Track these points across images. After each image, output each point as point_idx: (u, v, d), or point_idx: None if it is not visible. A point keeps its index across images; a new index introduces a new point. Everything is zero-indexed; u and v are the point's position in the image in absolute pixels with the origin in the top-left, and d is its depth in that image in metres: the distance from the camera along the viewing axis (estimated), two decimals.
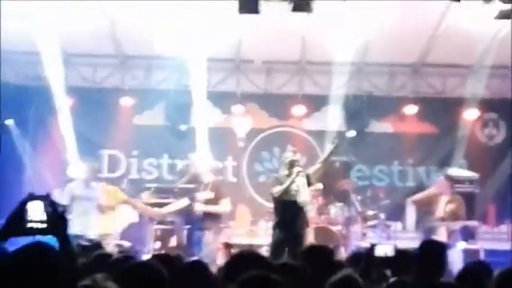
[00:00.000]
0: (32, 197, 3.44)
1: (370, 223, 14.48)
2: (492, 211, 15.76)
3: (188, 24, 13.03)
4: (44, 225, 3.40)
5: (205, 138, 14.79)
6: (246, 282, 2.90)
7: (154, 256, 5.88)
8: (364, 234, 14.53)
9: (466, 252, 12.54)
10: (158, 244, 13.73)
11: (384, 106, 16.04)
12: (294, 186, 10.67)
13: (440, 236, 11.98)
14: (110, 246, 11.17)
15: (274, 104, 16.18)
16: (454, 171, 14.04)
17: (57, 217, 3.42)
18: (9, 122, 15.35)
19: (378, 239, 13.70)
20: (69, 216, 11.15)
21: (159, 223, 13.99)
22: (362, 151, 15.96)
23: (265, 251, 11.51)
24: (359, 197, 14.59)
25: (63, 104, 14.75)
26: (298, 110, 15.95)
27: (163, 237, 13.87)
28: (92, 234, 11.66)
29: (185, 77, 15.14)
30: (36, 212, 3.40)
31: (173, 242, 13.75)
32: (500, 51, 13.65)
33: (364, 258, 5.63)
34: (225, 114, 16.09)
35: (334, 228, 13.63)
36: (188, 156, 14.70)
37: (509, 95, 15.54)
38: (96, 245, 8.73)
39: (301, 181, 10.65)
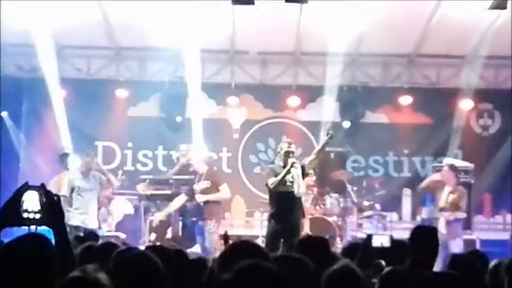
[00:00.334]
0: (27, 187, 3.43)
1: (365, 214, 14.49)
2: (488, 201, 15.78)
3: (182, 15, 13.00)
4: (39, 216, 3.39)
5: (199, 129, 14.80)
6: (241, 271, 2.88)
7: (148, 248, 5.86)
8: (360, 225, 14.56)
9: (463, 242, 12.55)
10: (153, 236, 13.74)
11: (379, 97, 16.04)
12: (289, 177, 10.64)
13: (440, 226, 11.96)
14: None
15: (269, 95, 16.16)
16: (449, 161, 14.03)
17: (52, 207, 3.41)
18: (3, 114, 15.33)
19: (373, 230, 13.72)
20: (69, 208, 11.29)
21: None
22: (357, 142, 15.95)
23: (261, 242, 11.51)
24: (355, 188, 14.58)
25: (57, 95, 14.73)
26: (293, 101, 15.94)
27: (159, 229, 13.87)
28: (92, 226, 11.72)
29: (180, 69, 15.13)
30: (31, 202, 3.39)
31: (169, 233, 13.76)
32: (495, 41, 13.64)
33: (361, 248, 5.63)
34: (220, 105, 16.07)
35: (330, 219, 13.62)
36: (180, 147, 14.70)
37: (504, 86, 15.57)
38: (92, 236, 8.72)
39: (296, 172, 10.63)
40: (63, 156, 13.41)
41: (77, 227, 11.35)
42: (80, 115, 15.34)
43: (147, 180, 14.23)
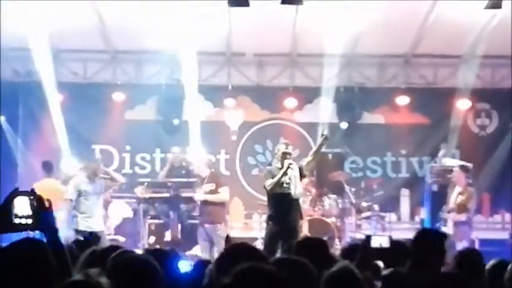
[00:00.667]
0: (17, 193, 3.41)
1: (364, 214, 14.50)
2: (486, 201, 15.77)
3: (178, 17, 12.99)
4: (31, 221, 3.38)
5: (197, 132, 14.79)
6: (240, 274, 2.87)
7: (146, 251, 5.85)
8: (358, 226, 14.55)
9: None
10: (152, 239, 13.73)
11: (376, 97, 16.04)
12: (286, 179, 10.63)
13: (448, 227, 11.93)
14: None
15: (266, 96, 16.16)
16: (448, 161, 14.02)
17: (43, 212, 3.39)
18: (1, 119, 15.31)
19: (372, 230, 13.71)
20: (76, 213, 11.42)
21: (153, 218, 14.03)
22: (355, 143, 15.94)
23: (260, 244, 11.50)
24: (353, 189, 14.59)
25: (54, 99, 14.72)
26: (290, 102, 15.93)
27: (158, 232, 13.87)
28: (98, 229, 11.78)
29: (176, 71, 15.14)
30: (22, 208, 3.38)
31: (168, 236, 13.74)
32: (492, 41, 13.62)
33: (360, 249, 5.61)
34: (217, 107, 16.07)
35: (329, 220, 13.63)
36: (172, 149, 14.69)
37: (501, 85, 15.58)
38: (93, 240, 8.71)
39: (293, 173, 10.62)
40: (46, 164, 13.58)
41: (82, 232, 11.44)
42: (77, 119, 15.35)
43: (145, 183, 14.20)
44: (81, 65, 15.82)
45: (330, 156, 15.44)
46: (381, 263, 5.65)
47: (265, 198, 11.35)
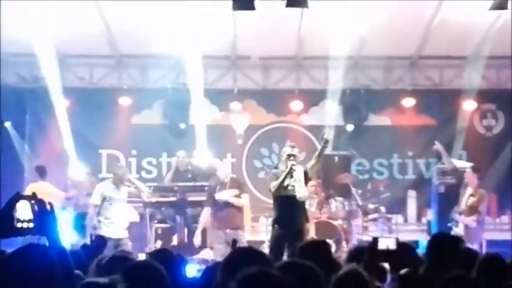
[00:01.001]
0: (19, 197, 3.42)
1: (371, 216, 14.49)
2: (493, 202, 15.71)
3: (183, 21, 13.01)
4: (32, 225, 3.38)
5: (203, 135, 14.81)
6: (245, 279, 2.87)
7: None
8: (365, 228, 14.53)
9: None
10: (159, 243, 13.73)
11: (382, 99, 16.04)
12: (291, 181, 10.57)
13: (459, 229, 11.89)
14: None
15: (272, 100, 16.17)
16: (454, 161, 13.97)
17: (45, 216, 3.40)
18: (7, 124, 15.33)
19: (379, 232, 13.70)
20: (99, 218, 11.56)
21: (160, 222, 14.05)
22: (361, 145, 15.93)
23: (267, 248, 11.49)
24: (359, 191, 14.56)
25: (60, 105, 14.76)
26: (296, 105, 15.94)
27: (165, 236, 13.87)
28: (119, 236, 11.82)
29: (182, 75, 15.16)
30: (24, 212, 3.38)
31: (174, 240, 13.74)
32: (497, 42, 13.63)
33: (368, 251, 5.60)
34: (223, 111, 16.08)
35: (336, 223, 13.60)
36: (177, 153, 14.68)
37: (506, 86, 15.56)
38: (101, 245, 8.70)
39: (297, 176, 10.57)
40: (40, 169, 13.86)
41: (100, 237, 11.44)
42: (83, 124, 15.41)
43: (152, 188, 14.20)
44: (87, 70, 15.87)
45: (336, 158, 15.42)
46: (387, 265, 5.64)
47: (271, 201, 11.34)
